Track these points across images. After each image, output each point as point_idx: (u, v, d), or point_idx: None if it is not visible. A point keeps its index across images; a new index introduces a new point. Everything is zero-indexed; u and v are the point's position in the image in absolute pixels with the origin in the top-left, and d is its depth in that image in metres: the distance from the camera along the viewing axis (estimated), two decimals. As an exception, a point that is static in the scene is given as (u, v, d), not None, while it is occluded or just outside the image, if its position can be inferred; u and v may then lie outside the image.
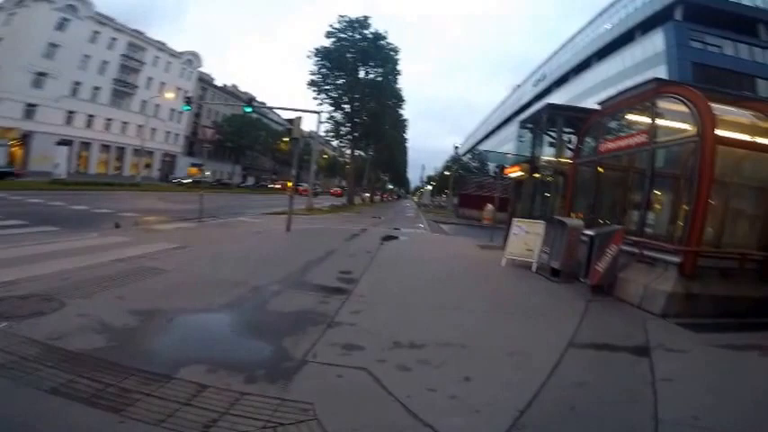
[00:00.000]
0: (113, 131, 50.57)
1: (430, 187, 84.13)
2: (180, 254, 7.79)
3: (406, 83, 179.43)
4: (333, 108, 35.27)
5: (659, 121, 7.76)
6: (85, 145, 47.13)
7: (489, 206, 24.02)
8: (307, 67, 56.24)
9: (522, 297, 7.03)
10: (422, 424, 2.80)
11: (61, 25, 43.00)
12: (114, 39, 49.64)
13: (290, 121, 15.23)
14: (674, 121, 7.53)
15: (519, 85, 70.52)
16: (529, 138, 14.87)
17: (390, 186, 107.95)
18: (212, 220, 14.80)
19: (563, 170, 12.23)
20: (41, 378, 2.90)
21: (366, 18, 34.32)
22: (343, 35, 33.94)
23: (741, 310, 6.25)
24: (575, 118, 12.44)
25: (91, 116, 47.61)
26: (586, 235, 7.63)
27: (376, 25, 34.62)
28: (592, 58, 44.87)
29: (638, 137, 8.23)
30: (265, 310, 5.07)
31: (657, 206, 8.50)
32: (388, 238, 13.61)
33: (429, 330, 4.67)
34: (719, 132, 6.51)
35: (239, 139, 61.83)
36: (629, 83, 9.80)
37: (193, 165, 58.66)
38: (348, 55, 33.81)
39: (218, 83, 71.62)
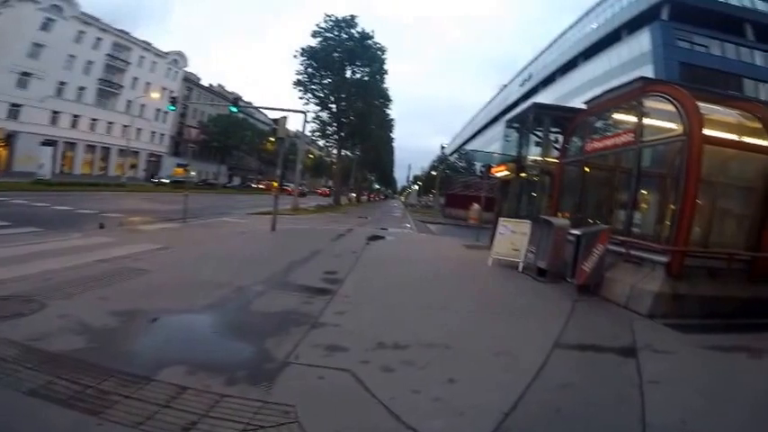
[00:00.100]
0: (98, 132, 49.77)
1: (416, 187, 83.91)
2: (164, 254, 7.73)
3: (393, 83, 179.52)
4: (319, 108, 35.10)
5: (646, 121, 7.78)
6: (70, 145, 46.31)
7: (475, 206, 24.02)
8: (293, 67, 55.81)
9: (509, 297, 7.02)
10: (404, 426, 2.76)
11: (46, 25, 42.27)
12: (99, 39, 48.87)
13: (275, 120, 15.13)
14: (661, 120, 7.56)
15: (505, 85, 70.59)
16: (515, 137, 14.91)
17: (377, 186, 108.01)
18: (197, 220, 14.64)
19: (549, 170, 12.28)
20: (20, 380, 2.88)
21: (353, 17, 34.14)
22: (329, 35, 33.71)
23: (728, 311, 6.22)
24: (561, 117, 12.49)
25: (76, 116, 46.84)
26: (573, 234, 7.60)
27: (362, 25, 34.54)
28: (578, 57, 45.07)
29: (624, 136, 8.26)
30: (248, 310, 5.00)
31: (644, 206, 8.54)
32: (375, 238, 13.56)
33: (414, 331, 4.62)
34: (706, 131, 6.53)
35: (225, 139, 61.30)
36: (615, 83, 9.84)
37: (179, 165, 58.11)
38: (335, 54, 33.54)
39: (205, 83, 71.02)
